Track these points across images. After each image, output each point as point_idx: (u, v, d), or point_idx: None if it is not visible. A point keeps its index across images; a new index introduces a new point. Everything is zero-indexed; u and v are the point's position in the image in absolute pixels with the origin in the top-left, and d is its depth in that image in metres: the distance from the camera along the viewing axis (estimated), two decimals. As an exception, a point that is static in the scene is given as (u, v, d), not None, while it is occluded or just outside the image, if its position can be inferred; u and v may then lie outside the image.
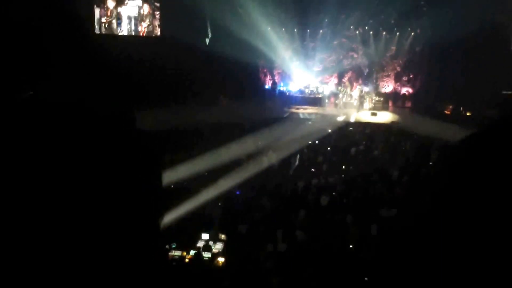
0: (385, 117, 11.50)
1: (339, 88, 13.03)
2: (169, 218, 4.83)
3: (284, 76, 13.82)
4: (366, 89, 12.93)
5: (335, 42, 13.18)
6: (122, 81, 10.28)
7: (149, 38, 12.83)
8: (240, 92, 12.47)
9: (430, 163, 7.19)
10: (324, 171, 7.06)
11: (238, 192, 5.69)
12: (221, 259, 4.62)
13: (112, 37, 12.68)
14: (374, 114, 11.57)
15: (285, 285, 3.96)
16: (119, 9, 12.74)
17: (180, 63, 11.43)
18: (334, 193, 5.85)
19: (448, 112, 11.86)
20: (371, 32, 12.79)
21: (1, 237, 0.43)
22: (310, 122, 10.98)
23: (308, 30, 13.22)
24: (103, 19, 12.73)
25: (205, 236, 4.88)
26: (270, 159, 7.40)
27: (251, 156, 7.31)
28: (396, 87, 13.22)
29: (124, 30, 12.84)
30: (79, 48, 10.40)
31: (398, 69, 13.15)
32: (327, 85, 13.42)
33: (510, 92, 10.86)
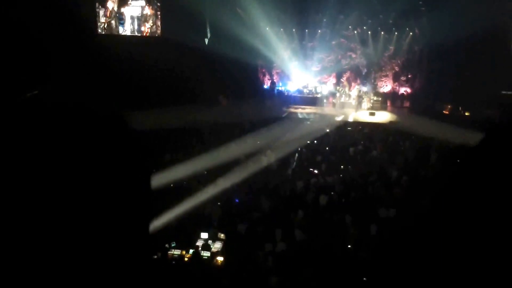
0: (384, 117, 11.54)
1: (338, 88, 13.06)
2: (168, 217, 4.84)
3: (283, 76, 13.83)
4: (364, 89, 12.97)
5: (333, 42, 13.21)
6: (121, 81, 10.27)
7: (148, 38, 12.82)
8: (239, 92, 12.48)
9: (429, 163, 7.23)
10: (323, 170, 7.09)
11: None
12: (220, 258, 4.63)
13: (111, 37, 12.65)
14: (372, 114, 11.61)
15: (284, 284, 3.97)
16: (122, 9, 12.72)
17: (179, 63, 11.41)
18: (332, 193, 5.87)
19: (447, 112, 11.91)
20: (369, 32, 12.82)
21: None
22: (308, 122, 11.00)
23: (306, 30, 13.24)
24: (103, 19, 12.71)
25: (204, 235, 4.89)
26: (269, 158, 7.41)
27: (250, 156, 7.32)
28: (395, 87, 13.27)
29: (127, 30, 12.81)
30: (78, 48, 10.38)
31: (397, 69, 13.20)
32: (325, 85, 13.45)
33: (509, 92, 10.92)
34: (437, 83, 12.17)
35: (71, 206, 0.48)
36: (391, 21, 12.55)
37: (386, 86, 13.36)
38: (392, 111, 12.24)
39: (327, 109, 12.37)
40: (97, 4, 12.65)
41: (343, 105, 12.42)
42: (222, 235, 4.90)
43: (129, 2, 12.69)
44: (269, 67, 13.76)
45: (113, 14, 12.72)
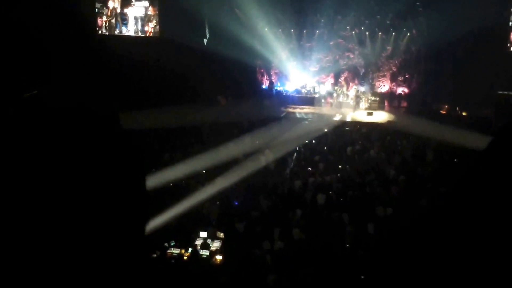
0: (381, 116, 11.60)
1: (336, 88, 13.11)
2: (167, 216, 4.85)
3: (281, 76, 13.87)
4: (362, 89, 13.02)
5: (331, 43, 13.26)
6: (120, 81, 10.26)
7: (148, 38, 12.83)
8: (238, 92, 12.50)
9: (426, 162, 7.29)
10: (321, 170, 7.12)
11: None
12: (219, 257, 4.65)
13: (110, 38, 12.65)
14: (370, 114, 11.67)
15: (282, 283, 4.00)
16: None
17: (178, 63, 11.43)
18: (330, 192, 5.90)
19: (444, 112, 11.99)
20: (367, 33, 12.88)
21: None
22: (306, 122, 11.04)
23: (305, 31, 13.28)
24: (104, 18, 12.71)
25: (203, 234, 4.90)
26: (267, 158, 7.44)
27: (249, 155, 7.35)
28: (392, 87, 13.34)
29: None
30: (78, 48, 10.35)
31: (394, 69, 13.27)
32: (323, 85, 13.50)
33: (505, 92, 11.02)
34: (434, 83, 12.26)
35: (70, 205, 0.48)
36: (388, 22, 12.62)
37: (383, 86, 13.43)
38: (389, 111, 12.31)
39: (325, 109, 12.41)
40: (97, 4, 12.65)
41: (341, 105, 12.47)
42: (221, 234, 4.92)
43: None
44: (267, 67, 13.79)
45: (114, 13, 12.73)
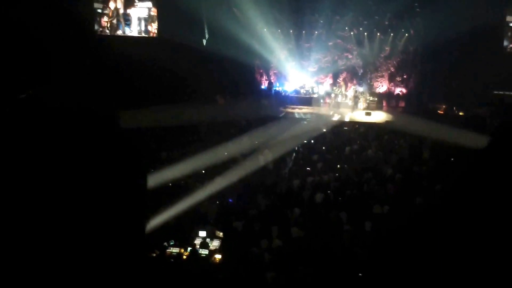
0: (379, 116, 11.66)
1: (334, 88, 13.16)
2: (166, 216, 4.88)
3: (280, 76, 13.91)
4: (360, 89, 13.08)
5: (330, 43, 13.31)
6: (118, 81, 10.28)
7: (146, 38, 12.86)
8: (237, 92, 12.54)
9: (423, 161, 7.34)
10: (319, 169, 7.16)
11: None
12: (218, 256, 4.68)
13: (110, 38, 12.68)
14: (368, 114, 11.73)
15: (280, 280, 4.03)
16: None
17: (177, 63, 11.46)
18: (328, 191, 5.94)
19: (441, 112, 12.06)
20: (365, 33, 12.95)
21: None
22: (305, 122, 11.08)
23: (303, 31, 13.33)
24: (105, 19, 12.74)
25: (202, 233, 4.93)
26: (266, 157, 7.48)
27: (248, 155, 7.38)
28: (390, 87, 13.40)
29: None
30: (77, 49, 10.34)
31: (392, 69, 13.33)
32: (322, 85, 13.55)
33: (500, 92, 11.13)
34: (431, 84, 12.34)
35: (69, 204, 0.47)
36: (386, 22, 12.69)
37: (381, 86, 13.50)
38: (387, 111, 12.37)
39: (324, 109, 12.46)
40: (98, 4, 12.68)
41: (339, 105, 12.52)
42: (220, 233, 4.95)
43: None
44: (266, 68, 13.83)
45: (115, 14, 12.77)
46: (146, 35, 12.82)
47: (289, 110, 12.43)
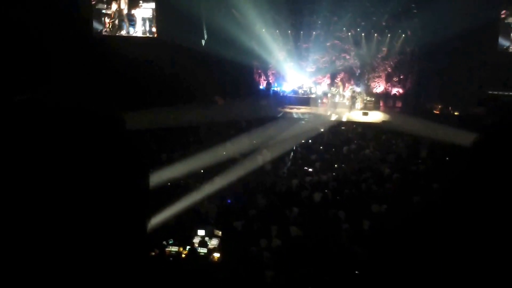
0: (376, 116, 11.75)
1: (332, 88, 13.23)
2: (166, 215, 4.89)
3: (278, 76, 13.96)
4: (358, 89, 13.17)
5: (328, 44, 13.39)
6: (118, 81, 10.27)
7: (145, 39, 12.86)
8: (236, 93, 12.57)
9: (420, 160, 7.42)
10: (317, 168, 7.21)
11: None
12: (216, 255, 4.70)
13: (109, 38, 12.67)
14: (365, 114, 11.81)
15: (280, 279, 4.06)
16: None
17: (176, 64, 11.47)
18: (326, 190, 5.99)
19: (437, 112, 12.18)
20: (362, 34, 13.04)
21: None
22: (303, 122, 11.13)
23: (301, 32, 13.39)
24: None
25: (201, 232, 4.95)
26: (264, 157, 7.51)
27: (246, 154, 7.41)
28: (387, 87, 13.50)
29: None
30: (76, 49, 10.31)
31: (389, 70, 13.44)
32: (320, 85, 13.62)
33: (495, 92, 11.27)
34: (427, 84, 12.46)
35: (68, 205, 0.48)
36: (383, 23, 12.79)
37: (379, 86, 13.59)
38: (384, 111, 12.46)
39: (322, 109, 12.53)
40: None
41: (335, 105, 12.59)
42: (219, 233, 4.97)
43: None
44: (265, 68, 13.88)
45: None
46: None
47: (287, 110, 12.48)
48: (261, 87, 13.98)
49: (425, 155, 7.63)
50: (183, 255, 4.66)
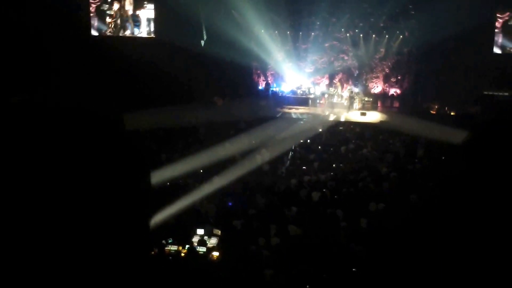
0: (374, 116, 11.83)
1: (330, 89, 13.31)
2: (165, 214, 4.93)
3: (277, 77, 14.03)
4: (356, 90, 13.25)
5: (326, 44, 13.47)
6: (118, 82, 10.30)
7: (145, 39, 12.90)
8: (235, 93, 12.62)
9: (417, 159, 7.49)
10: (316, 168, 7.26)
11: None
12: (216, 253, 4.74)
13: (108, 39, 12.70)
14: (363, 114, 11.89)
15: (279, 277, 4.10)
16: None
17: (175, 65, 11.51)
18: (325, 190, 6.04)
19: (434, 112, 12.28)
20: (361, 35, 13.13)
21: None
22: (302, 122, 11.20)
23: (300, 33, 13.47)
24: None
25: (200, 231, 4.99)
26: (263, 157, 7.56)
27: (245, 154, 7.45)
28: (385, 87, 13.60)
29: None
30: (76, 50, 10.33)
31: (387, 70, 13.53)
32: (318, 86, 13.70)
33: (490, 93, 11.39)
34: (424, 84, 12.56)
35: (71, 204, 0.53)
36: (381, 24, 12.88)
37: (376, 87, 13.68)
38: (382, 111, 12.54)
39: (320, 110, 12.60)
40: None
41: (333, 106, 12.67)
42: (218, 231, 5.01)
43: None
44: (263, 69, 13.94)
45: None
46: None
47: (286, 110, 12.54)
48: (260, 87, 14.03)
49: (422, 154, 7.71)
50: (182, 254, 4.69)
